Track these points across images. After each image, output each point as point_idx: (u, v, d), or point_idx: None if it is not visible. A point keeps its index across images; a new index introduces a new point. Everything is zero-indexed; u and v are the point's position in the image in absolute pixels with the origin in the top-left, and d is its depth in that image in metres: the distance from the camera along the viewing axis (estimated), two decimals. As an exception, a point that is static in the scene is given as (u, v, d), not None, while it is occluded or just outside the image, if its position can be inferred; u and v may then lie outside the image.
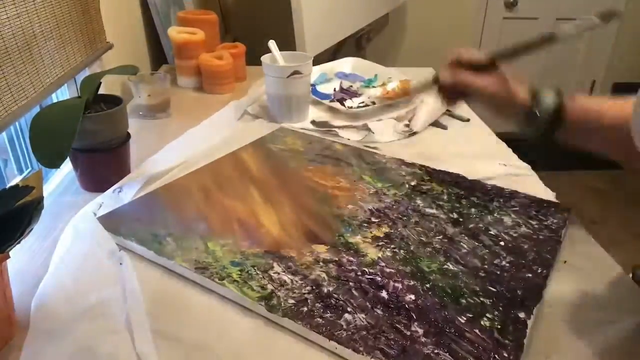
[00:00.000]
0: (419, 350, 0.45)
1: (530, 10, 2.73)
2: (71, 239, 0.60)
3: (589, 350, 0.47)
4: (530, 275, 0.54)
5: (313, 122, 0.95)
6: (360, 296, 0.51)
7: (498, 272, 0.55)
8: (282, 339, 0.48)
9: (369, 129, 0.90)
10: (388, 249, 0.58)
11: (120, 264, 0.56)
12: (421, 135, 0.93)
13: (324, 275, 0.53)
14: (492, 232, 0.62)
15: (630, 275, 0.60)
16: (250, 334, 0.48)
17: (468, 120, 0.99)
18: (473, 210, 0.66)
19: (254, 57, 1.03)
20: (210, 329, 0.49)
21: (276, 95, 0.94)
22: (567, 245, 0.61)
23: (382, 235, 0.61)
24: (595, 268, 0.58)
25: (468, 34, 2.74)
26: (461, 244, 0.59)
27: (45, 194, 0.50)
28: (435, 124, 0.97)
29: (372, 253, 0.57)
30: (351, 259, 0.56)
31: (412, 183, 0.73)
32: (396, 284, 0.52)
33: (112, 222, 0.62)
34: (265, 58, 0.94)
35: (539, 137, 0.61)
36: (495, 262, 0.56)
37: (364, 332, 0.46)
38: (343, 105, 1.00)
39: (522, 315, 0.49)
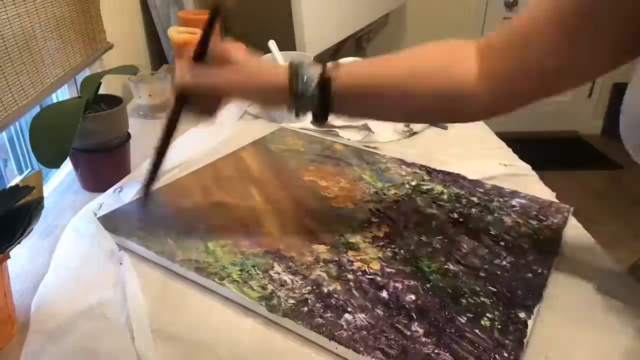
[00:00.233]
0: (419, 350, 0.45)
1: (530, 10, 2.73)
2: (71, 239, 0.60)
3: (589, 350, 0.47)
4: (530, 275, 0.54)
5: (313, 122, 0.95)
6: (361, 296, 0.51)
7: (498, 272, 0.55)
8: (282, 339, 0.48)
9: (369, 129, 0.90)
10: (388, 249, 0.58)
11: (121, 264, 0.56)
12: (421, 135, 0.93)
13: (324, 275, 0.53)
14: (492, 232, 0.62)
15: (630, 269, 0.60)
16: (251, 334, 0.48)
17: (468, 120, 0.99)
18: (473, 210, 0.66)
19: (253, 57, 1.03)
20: (210, 329, 0.49)
21: (276, 95, 0.94)
22: (567, 245, 0.61)
23: (382, 235, 0.61)
24: (595, 268, 0.58)
25: (468, 34, 2.73)
26: (461, 244, 0.59)
27: (45, 194, 0.50)
28: (436, 123, 0.97)
29: (373, 253, 0.57)
30: (351, 259, 0.56)
31: (413, 183, 0.73)
32: (396, 284, 0.52)
33: (112, 222, 0.62)
34: (265, 58, 0.94)
35: (315, 119, 0.54)
36: (495, 262, 0.56)
37: (364, 332, 0.46)
38: (343, 105, 1.00)
39: (522, 315, 0.49)
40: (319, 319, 0.47)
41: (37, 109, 0.73)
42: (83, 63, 0.88)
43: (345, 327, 0.47)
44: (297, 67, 0.51)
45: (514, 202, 0.68)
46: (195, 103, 0.56)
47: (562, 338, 0.48)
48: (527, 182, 0.76)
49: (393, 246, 0.59)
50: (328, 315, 0.48)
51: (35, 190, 0.47)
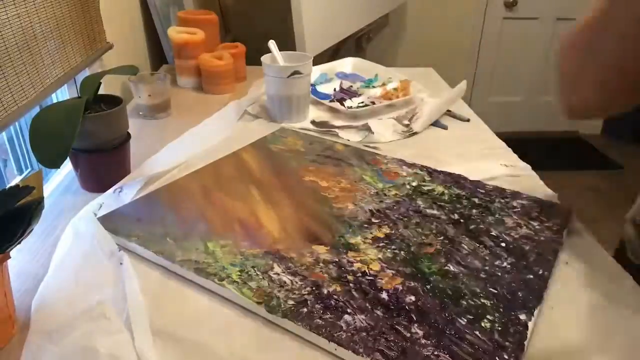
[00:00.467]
0: (419, 352, 0.44)
1: (530, 10, 2.73)
2: (71, 239, 0.60)
3: (590, 351, 0.47)
4: (531, 276, 0.54)
5: (313, 122, 0.95)
6: (360, 297, 0.51)
7: (499, 274, 0.55)
8: (282, 340, 0.48)
9: (369, 129, 0.90)
10: (388, 250, 0.58)
11: (121, 264, 0.56)
12: (422, 135, 0.93)
13: (324, 275, 0.53)
14: (493, 233, 0.62)
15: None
16: (250, 335, 0.48)
17: (468, 120, 0.99)
18: (474, 211, 0.66)
19: (254, 57, 1.03)
20: (210, 329, 0.49)
21: (276, 95, 0.94)
22: (567, 246, 0.61)
23: (382, 236, 0.60)
24: (595, 268, 0.58)
25: (468, 34, 2.74)
26: (462, 245, 0.59)
27: (45, 194, 0.50)
28: (436, 124, 0.97)
29: (373, 254, 0.57)
30: (351, 259, 0.56)
31: (413, 184, 0.73)
32: (396, 285, 0.52)
33: (112, 222, 0.62)
34: (265, 58, 0.94)
35: None
36: (496, 263, 0.56)
37: (364, 334, 0.46)
38: (342, 105, 1.00)
39: (523, 316, 0.49)
40: (318, 320, 0.47)
41: (37, 109, 0.73)
42: (83, 63, 0.88)
43: (344, 328, 0.47)
44: None
45: (515, 203, 0.68)
46: None
47: (562, 339, 0.48)
48: (528, 183, 0.76)
49: (393, 247, 0.59)
50: (327, 316, 0.48)
51: (35, 191, 0.47)
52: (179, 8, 1.36)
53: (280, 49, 0.97)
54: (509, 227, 0.63)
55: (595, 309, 0.52)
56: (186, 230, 0.61)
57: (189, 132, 0.90)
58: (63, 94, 0.93)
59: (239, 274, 0.53)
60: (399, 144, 0.89)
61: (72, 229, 0.62)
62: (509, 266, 0.56)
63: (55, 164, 0.60)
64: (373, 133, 0.89)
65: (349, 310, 0.49)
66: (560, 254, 0.59)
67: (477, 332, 0.47)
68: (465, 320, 0.48)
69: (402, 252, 0.58)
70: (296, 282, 0.52)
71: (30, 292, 0.53)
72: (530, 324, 0.48)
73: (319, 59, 1.15)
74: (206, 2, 1.81)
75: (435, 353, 0.44)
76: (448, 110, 1.02)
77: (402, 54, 2.67)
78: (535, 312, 0.49)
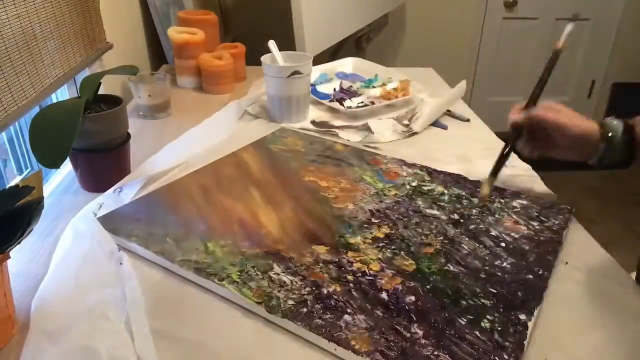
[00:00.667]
0: (419, 352, 0.44)
1: (530, 10, 2.73)
2: (71, 239, 0.60)
3: (590, 351, 0.47)
4: (531, 276, 0.54)
5: (313, 122, 0.95)
6: (360, 297, 0.51)
7: (499, 274, 0.55)
8: (282, 340, 0.48)
9: (369, 129, 0.90)
10: (388, 250, 0.58)
11: (121, 264, 0.56)
12: (422, 135, 0.93)
13: (324, 275, 0.53)
14: (493, 233, 0.62)
15: (635, 275, 0.60)
16: (250, 335, 0.48)
17: (468, 120, 0.99)
18: (474, 211, 0.66)
19: (254, 57, 1.03)
20: (210, 329, 0.49)
21: (276, 95, 0.94)
22: (567, 246, 0.61)
23: (382, 236, 0.60)
24: (595, 268, 0.58)
25: (468, 34, 2.74)
26: (462, 245, 0.59)
27: (45, 194, 0.50)
28: (436, 124, 0.97)
29: (373, 254, 0.57)
30: (351, 259, 0.56)
31: (413, 184, 0.73)
32: (396, 285, 0.52)
33: (112, 222, 0.62)
34: (265, 58, 0.94)
35: (620, 162, 0.63)
36: (496, 263, 0.56)
37: (364, 334, 0.46)
38: (342, 105, 1.00)
39: (522, 316, 0.49)
40: (318, 320, 0.47)
41: (37, 109, 0.72)
42: (83, 63, 0.88)
43: (344, 328, 0.47)
44: (601, 121, 0.63)
45: (515, 203, 0.68)
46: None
47: (562, 339, 0.48)
48: (528, 183, 0.76)
49: (393, 247, 0.59)
50: (327, 316, 0.48)
51: (35, 190, 0.47)
52: (179, 8, 1.36)
53: (280, 49, 0.97)
54: (509, 227, 0.63)
55: (595, 309, 0.52)
56: (186, 231, 0.60)
57: (188, 132, 0.89)
58: (63, 94, 0.93)
59: (239, 274, 0.53)
60: (399, 144, 0.89)
61: (72, 229, 0.62)
62: (509, 266, 0.56)
63: (55, 164, 0.60)
64: (373, 133, 0.89)
65: (349, 310, 0.49)
66: (560, 254, 0.59)
67: (477, 332, 0.47)
68: (465, 320, 0.48)
69: (402, 252, 0.58)
70: (296, 282, 0.52)
71: (30, 292, 0.53)
72: (530, 324, 0.48)
73: (319, 59, 1.15)
74: (206, 2, 1.81)
75: (435, 353, 0.44)
76: (448, 110, 1.02)
77: (402, 54, 2.67)
78: (535, 312, 0.49)
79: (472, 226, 0.63)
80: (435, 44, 2.67)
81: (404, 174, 0.76)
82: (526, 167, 0.81)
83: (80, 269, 0.56)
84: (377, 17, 1.92)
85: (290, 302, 0.50)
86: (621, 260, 0.60)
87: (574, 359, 0.46)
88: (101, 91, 0.74)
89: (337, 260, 0.56)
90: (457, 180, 0.74)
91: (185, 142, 0.86)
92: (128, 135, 0.75)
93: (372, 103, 1.01)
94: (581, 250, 0.61)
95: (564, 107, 0.67)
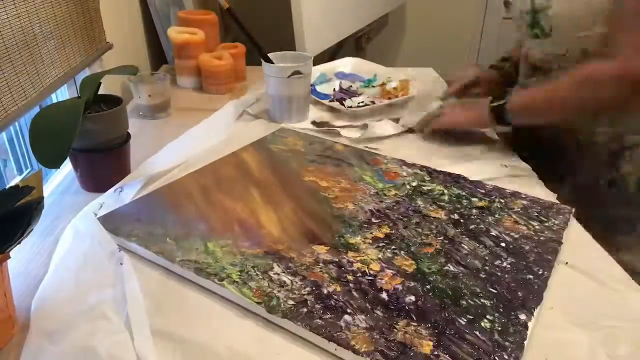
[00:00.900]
0: (419, 352, 0.44)
1: (530, 11, 2.73)
2: (71, 239, 0.60)
3: (589, 351, 0.47)
4: (531, 276, 0.54)
5: (314, 123, 0.95)
6: (360, 297, 0.51)
7: (499, 274, 0.55)
8: (282, 340, 0.48)
9: (367, 127, 0.90)
10: (388, 250, 0.58)
11: (121, 264, 0.56)
12: (422, 135, 0.93)
13: (324, 275, 0.53)
14: (493, 233, 0.62)
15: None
16: (250, 335, 0.48)
17: (468, 120, 0.99)
18: (474, 211, 0.66)
19: (254, 57, 1.03)
20: (210, 329, 0.49)
21: (276, 95, 0.94)
22: (567, 246, 0.61)
23: (382, 236, 0.60)
24: (595, 268, 0.58)
25: (468, 34, 2.73)
26: (462, 245, 0.59)
27: (45, 194, 0.50)
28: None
29: (373, 254, 0.57)
30: (351, 259, 0.56)
31: (413, 184, 0.73)
32: (396, 285, 0.52)
33: (112, 222, 0.62)
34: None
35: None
36: (496, 263, 0.56)
37: (364, 333, 0.46)
38: (342, 105, 1.00)
39: (522, 316, 0.49)
40: (318, 320, 0.47)
41: (37, 109, 0.72)
42: (83, 63, 0.88)
43: (344, 328, 0.47)
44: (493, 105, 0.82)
45: (515, 203, 0.68)
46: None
47: (562, 340, 0.48)
48: (528, 183, 0.76)
49: (393, 247, 0.59)
50: (327, 316, 0.48)
51: (35, 190, 0.47)
52: (179, 8, 1.36)
53: (280, 49, 0.97)
54: (509, 227, 0.63)
55: (595, 309, 0.52)
56: (186, 230, 0.61)
57: (188, 132, 0.89)
58: (63, 94, 0.93)
59: (239, 274, 0.53)
60: (399, 144, 0.89)
61: (72, 229, 0.62)
62: (509, 266, 0.56)
63: (55, 164, 0.60)
64: (373, 128, 0.90)
65: (349, 310, 0.49)
66: (560, 254, 0.59)
67: (477, 332, 0.47)
68: (465, 320, 0.48)
69: (402, 252, 0.58)
70: (296, 282, 0.52)
71: (31, 292, 0.53)
72: (530, 324, 0.48)
73: (319, 59, 1.15)
74: (206, 2, 1.81)
75: (435, 353, 0.44)
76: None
77: (402, 54, 2.67)
78: (535, 312, 0.49)
79: (472, 226, 0.63)
80: (435, 44, 2.67)
81: (404, 174, 0.76)
82: (526, 167, 0.81)
83: (80, 269, 0.56)
84: (377, 17, 1.92)
85: (290, 302, 0.50)
86: (621, 260, 0.60)
87: (573, 359, 0.46)
88: (101, 91, 0.74)
89: (337, 260, 0.56)
90: (457, 180, 0.74)
91: (185, 142, 0.86)
92: (128, 135, 0.75)
93: (373, 102, 1.01)
94: (581, 250, 0.61)
95: (457, 105, 0.92)
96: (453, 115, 0.89)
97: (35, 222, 0.46)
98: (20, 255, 0.59)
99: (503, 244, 0.60)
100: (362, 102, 1.02)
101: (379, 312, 0.49)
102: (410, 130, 0.92)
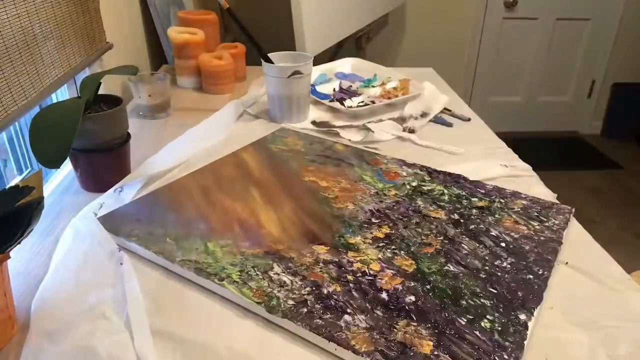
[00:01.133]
0: (419, 352, 0.44)
1: (530, 10, 2.74)
2: (71, 239, 0.60)
3: (589, 351, 0.47)
4: (531, 276, 0.54)
5: (314, 123, 0.95)
6: (360, 297, 0.51)
7: (499, 274, 0.55)
8: (282, 340, 0.48)
9: (368, 129, 0.90)
10: (388, 250, 0.58)
11: (121, 264, 0.56)
12: (422, 135, 0.93)
13: (324, 275, 0.53)
14: (493, 233, 0.62)
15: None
16: (250, 335, 0.48)
17: (469, 120, 0.99)
18: (474, 211, 0.66)
19: (254, 57, 1.03)
20: (210, 329, 0.49)
21: (276, 96, 0.94)
22: (567, 246, 0.61)
23: (382, 236, 0.61)
24: (595, 268, 0.58)
25: (468, 34, 2.74)
26: (462, 245, 0.59)
27: (45, 194, 0.50)
28: (439, 121, 0.97)
29: (373, 254, 0.57)
30: (351, 259, 0.56)
31: (413, 184, 0.73)
32: (396, 285, 0.52)
33: (112, 222, 0.62)
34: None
35: None
36: (496, 263, 0.56)
37: (364, 333, 0.46)
38: (343, 105, 1.00)
39: (522, 316, 0.49)
40: (318, 320, 0.47)
41: (37, 109, 0.72)
42: (83, 63, 0.88)
43: (344, 328, 0.47)
44: None
45: (515, 203, 0.68)
46: None
47: (562, 340, 0.48)
48: (528, 183, 0.76)
49: (393, 247, 0.59)
50: (327, 316, 0.48)
51: (35, 190, 0.47)
52: (179, 8, 1.36)
53: (280, 49, 0.97)
54: (509, 227, 0.63)
55: (595, 309, 0.52)
56: (186, 230, 0.61)
57: (188, 132, 0.90)
58: (63, 94, 0.93)
59: (239, 274, 0.53)
60: (399, 144, 0.89)
61: (72, 229, 0.62)
62: (509, 266, 0.56)
63: (55, 164, 0.60)
64: (373, 132, 0.89)
65: (349, 310, 0.49)
66: (560, 254, 0.59)
67: (477, 332, 0.47)
68: (465, 320, 0.48)
69: (402, 252, 0.58)
70: (296, 282, 0.52)
71: (30, 292, 0.53)
72: (530, 324, 0.48)
73: (319, 59, 1.15)
74: (206, 2, 1.81)
75: (435, 353, 0.44)
76: (448, 110, 1.02)
77: (402, 54, 2.67)
78: (535, 312, 0.49)
79: (472, 226, 0.63)
80: (435, 44, 2.68)
81: (404, 174, 0.76)
82: (526, 167, 0.81)
83: (80, 269, 0.56)
84: (377, 17, 1.92)
85: (290, 302, 0.50)
86: (621, 260, 0.60)
87: (573, 359, 0.46)
88: (101, 91, 0.74)
89: (337, 260, 0.56)
90: (457, 180, 0.74)
91: (185, 142, 0.86)
92: (128, 135, 0.75)
93: (373, 102, 1.01)
94: (581, 250, 0.61)
95: None
96: None
97: (35, 222, 0.46)
98: (20, 255, 0.59)
99: (503, 244, 0.60)
100: (362, 102, 1.02)
101: (379, 312, 0.49)
102: (410, 131, 0.92)
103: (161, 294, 0.53)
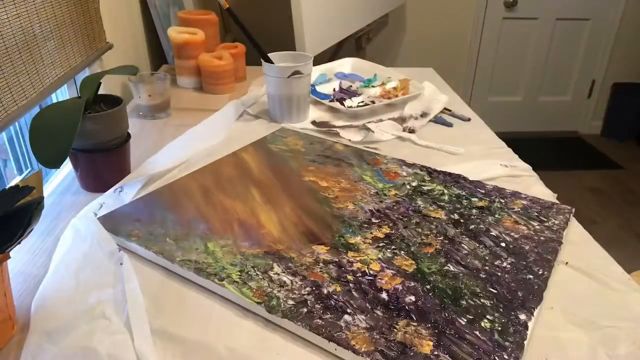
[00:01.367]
0: (419, 352, 0.44)
1: (530, 10, 2.74)
2: (71, 239, 0.60)
3: (589, 351, 0.47)
4: (531, 276, 0.54)
5: (314, 123, 0.95)
6: (360, 297, 0.51)
7: (499, 273, 0.55)
8: (282, 340, 0.48)
9: (368, 129, 0.90)
10: (388, 250, 0.58)
11: (121, 264, 0.56)
12: (422, 135, 0.93)
13: (324, 275, 0.53)
14: (493, 233, 0.62)
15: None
16: (250, 335, 0.48)
17: (469, 120, 0.99)
18: (474, 211, 0.66)
19: (254, 57, 1.03)
20: (210, 329, 0.49)
21: (276, 96, 0.94)
22: (567, 246, 0.61)
23: (382, 236, 0.61)
24: (595, 268, 0.58)
25: (468, 34, 2.74)
26: (462, 245, 0.59)
27: (45, 194, 0.50)
28: (440, 121, 0.97)
29: (373, 254, 0.57)
30: (351, 259, 0.56)
31: (413, 184, 0.73)
32: (396, 285, 0.52)
33: (112, 222, 0.62)
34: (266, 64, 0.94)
35: None
36: (496, 263, 0.56)
37: (364, 333, 0.46)
38: (342, 104, 1.00)
39: (522, 316, 0.49)
40: (318, 320, 0.47)
41: (37, 109, 0.73)
42: (83, 63, 0.88)
43: (344, 328, 0.47)
44: None
45: (515, 203, 0.68)
46: None
47: (562, 339, 0.48)
48: (528, 183, 0.76)
49: (393, 247, 0.59)
50: (327, 316, 0.48)
51: (35, 190, 0.47)
52: (179, 8, 1.36)
53: (280, 49, 0.97)
54: (509, 227, 0.63)
55: (595, 309, 0.52)
56: (186, 230, 0.61)
57: (188, 132, 0.90)
58: (63, 94, 0.93)
59: (239, 274, 0.53)
60: (399, 144, 0.89)
61: (72, 229, 0.62)
62: (509, 266, 0.56)
63: (55, 164, 0.60)
64: (373, 132, 0.89)
65: (349, 310, 0.49)
66: (560, 254, 0.59)
67: (477, 332, 0.47)
68: (465, 320, 0.48)
69: (402, 252, 0.58)
70: (296, 282, 0.52)
71: (31, 293, 0.53)
72: (530, 324, 0.48)
73: (319, 59, 1.15)
74: (206, 2, 1.81)
75: (435, 353, 0.44)
76: (448, 110, 1.02)
77: (402, 54, 2.67)
78: (535, 312, 0.49)
79: (472, 226, 0.63)
80: (435, 44, 2.68)
81: (404, 174, 0.76)
82: (526, 167, 0.81)
83: (80, 269, 0.56)
84: (377, 17, 1.92)
85: (290, 302, 0.50)
86: (621, 260, 0.60)
87: (573, 359, 0.46)
88: (101, 91, 0.74)
89: (337, 260, 0.56)
90: (457, 180, 0.74)
91: (185, 142, 0.86)
92: (128, 135, 0.75)
93: (372, 102, 1.01)
94: (581, 250, 0.61)
95: None
96: None
97: (35, 222, 0.46)
98: (20, 255, 0.59)
99: (503, 244, 0.60)
100: (362, 102, 1.02)
101: (379, 312, 0.49)
102: (410, 131, 0.92)
103: (161, 294, 0.53)
